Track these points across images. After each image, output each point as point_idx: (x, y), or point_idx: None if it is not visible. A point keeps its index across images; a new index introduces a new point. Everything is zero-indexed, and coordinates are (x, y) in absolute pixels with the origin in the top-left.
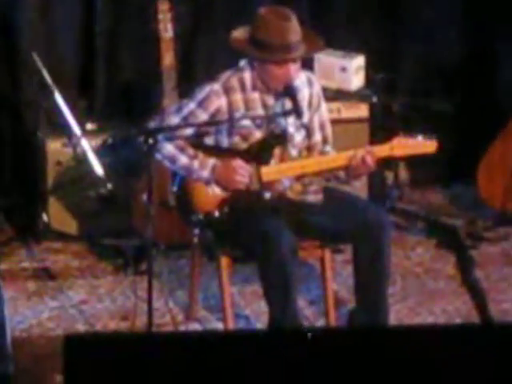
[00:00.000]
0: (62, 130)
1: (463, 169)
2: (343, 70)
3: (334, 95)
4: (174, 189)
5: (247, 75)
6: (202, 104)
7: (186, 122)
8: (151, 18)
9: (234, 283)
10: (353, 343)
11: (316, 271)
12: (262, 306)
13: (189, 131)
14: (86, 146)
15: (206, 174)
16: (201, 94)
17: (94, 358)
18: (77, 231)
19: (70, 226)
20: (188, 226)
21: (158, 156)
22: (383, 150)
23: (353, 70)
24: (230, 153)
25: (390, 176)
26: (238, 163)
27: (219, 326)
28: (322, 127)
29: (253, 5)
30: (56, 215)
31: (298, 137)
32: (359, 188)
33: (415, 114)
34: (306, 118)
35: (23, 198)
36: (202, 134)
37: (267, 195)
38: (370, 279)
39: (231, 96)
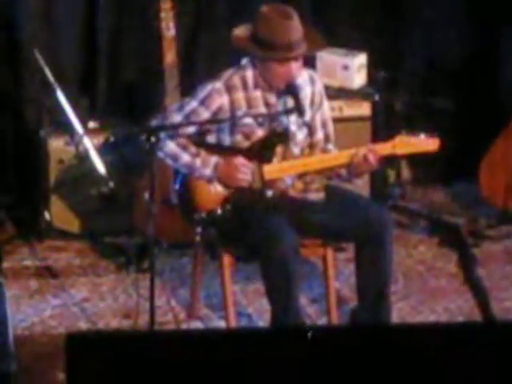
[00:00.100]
0: (64, 128)
1: (465, 167)
2: (345, 68)
3: (336, 93)
4: (176, 187)
5: (249, 73)
6: (203, 102)
7: (188, 121)
8: (153, 17)
9: (236, 281)
10: (355, 341)
11: (318, 269)
12: (264, 304)
13: (191, 129)
14: (88, 144)
15: (208, 171)
16: (203, 92)
17: (96, 356)
18: (79, 229)
19: (72, 224)
20: (190, 224)
21: (160, 154)
22: (385, 148)
23: (355, 68)
24: (232, 151)
25: (392, 174)
26: (241, 161)
27: (221, 324)
28: (324, 125)
29: (255, 3)
30: (58, 213)
31: (300, 135)
32: (361, 186)
33: (417, 113)
34: (308, 116)
35: (25, 196)
36: (204, 132)
37: (269, 193)
38: (372, 277)
39: (233, 94)
